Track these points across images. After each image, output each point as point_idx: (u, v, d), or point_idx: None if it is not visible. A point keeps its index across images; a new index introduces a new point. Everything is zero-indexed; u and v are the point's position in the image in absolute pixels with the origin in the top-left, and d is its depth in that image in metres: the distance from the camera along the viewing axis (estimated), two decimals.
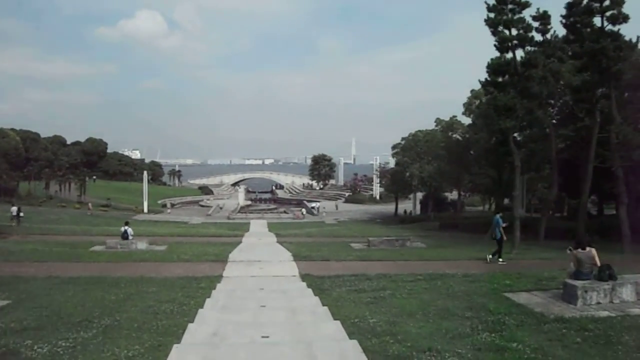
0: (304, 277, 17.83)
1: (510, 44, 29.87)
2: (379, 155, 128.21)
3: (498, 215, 24.54)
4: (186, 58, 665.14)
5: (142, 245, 28.70)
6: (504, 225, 23.64)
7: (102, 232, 38.89)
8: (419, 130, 75.40)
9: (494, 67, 31.06)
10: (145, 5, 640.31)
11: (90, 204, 73.25)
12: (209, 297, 13.76)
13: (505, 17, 29.25)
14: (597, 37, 29.54)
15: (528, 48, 30.47)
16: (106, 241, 29.00)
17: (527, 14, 30.36)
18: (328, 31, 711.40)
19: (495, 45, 30.23)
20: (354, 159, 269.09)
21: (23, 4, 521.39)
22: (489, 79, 32.49)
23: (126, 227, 30.15)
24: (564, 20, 31.57)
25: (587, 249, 13.75)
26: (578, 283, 12.99)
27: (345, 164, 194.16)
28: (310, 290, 15.09)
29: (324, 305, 12.59)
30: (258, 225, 57.78)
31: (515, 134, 32.52)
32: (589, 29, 30.44)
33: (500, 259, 22.74)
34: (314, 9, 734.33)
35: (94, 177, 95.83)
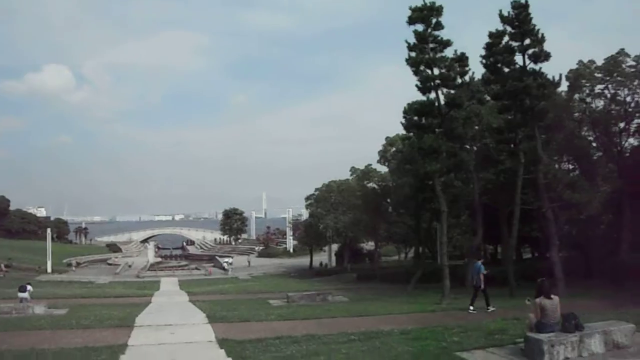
0: (222, 342, 15.44)
1: (432, 84, 28.84)
2: (292, 208, 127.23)
3: (479, 262, 23.23)
4: (96, 112, 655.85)
5: (39, 309, 25.82)
6: (484, 272, 22.18)
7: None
8: (333, 181, 74.33)
9: (416, 109, 29.99)
10: (52, 59, 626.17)
11: (2, 264, 68.48)
12: None
13: (427, 56, 28.26)
14: (520, 76, 28.87)
15: (449, 91, 29.64)
16: None
17: (448, 53, 29.67)
18: (241, 86, 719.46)
19: (417, 86, 29.18)
20: (265, 213, 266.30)
21: None
22: (412, 120, 31.48)
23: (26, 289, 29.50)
24: (484, 60, 30.83)
25: (553, 297, 12.18)
26: (542, 336, 11.42)
27: (256, 217, 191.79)
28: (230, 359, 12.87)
29: None
30: (169, 284, 55.32)
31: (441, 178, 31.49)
32: (510, 67, 29.75)
33: (471, 307, 21.71)
34: (226, 65, 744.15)
35: None
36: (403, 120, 36.58)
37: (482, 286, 22.29)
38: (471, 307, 21.66)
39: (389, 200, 53.82)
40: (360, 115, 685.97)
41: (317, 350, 13.74)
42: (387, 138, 52.66)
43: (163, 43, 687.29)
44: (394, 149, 51.62)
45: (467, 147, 34.47)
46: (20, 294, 29.62)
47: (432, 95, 29.28)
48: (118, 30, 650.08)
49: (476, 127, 33.43)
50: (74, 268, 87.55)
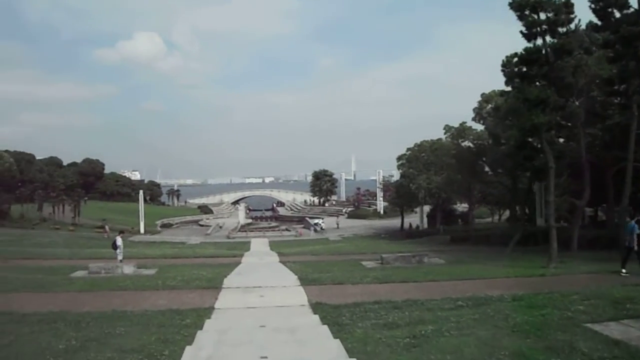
0: (316, 307, 14.23)
1: (539, 29, 26.27)
2: (382, 169, 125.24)
3: (633, 222, 21.04)
4: (185, 79, 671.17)
5: (128, 269, 25.36)
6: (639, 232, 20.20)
7: (91, 256, 35.64)
8: (425, 140, 72.39)
9: (521, 56, 27.34)
10: (142, 27, 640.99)
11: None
12: (190, 344, 10.20)
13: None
14: (636, 19, 26.02)
15: (553, 39, 26.99)
16: (89, 266, 25.56)
17: None
18: (327, 51, 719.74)
19: (521, 32, 26.62)
20: (354, 175, 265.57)
21: (21, 27, 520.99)
22: (514, 71, 28.85)
23: (118, 237, 29.18)
24: (592, 5, 28.11)
25: None
26: None
27: (346, 179, 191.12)
28: (325, 327, 11.54)
29: (349, 355, 9.11)
30: (259, 244, 54.65)
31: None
32: (623, 11, 26.91)
33: (623, 271, 19.76)
34: (313, 29, 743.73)
35: (85, 198, 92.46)
36: (502, 74, 34.56)
37: (636, 247, 20.14)
38: (623, 270, 19.63)
39: (484, 159, 51.38)
40: (447, 75, 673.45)
41: (421, 317, 12.30)
42: (482, 94, 49.95)
43: (251, 7, 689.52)
44: (489, 105, 49.00)
45: (579, 97, 31.67)
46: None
47: (539, 42, 26.74)
48: None
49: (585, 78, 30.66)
50: (159, 228, 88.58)
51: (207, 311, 14.02)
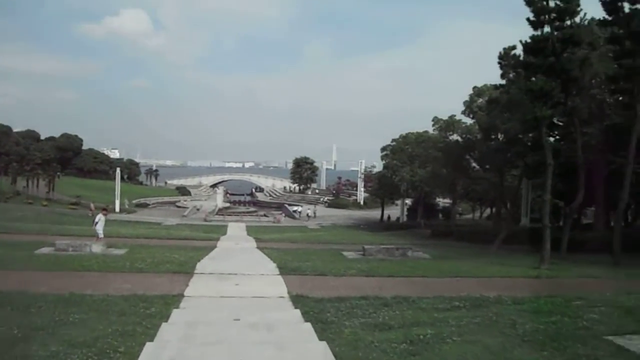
0: (296, 299, 12.87)
1: (547, 17, 24.77)
2: (363, 160, 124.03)
3: None
4: (171, 57, 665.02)
5: (97, 248, 23.99)
6: None
7: (62, 232, 34.19)
8: (410, 132, 71.05)
9: (527, 45, 25.65)
10: (129, 4, 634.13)
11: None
12: (152, 339, 8.79)
13: None
14: None
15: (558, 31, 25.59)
16: (55, 242, 24.21)
17: None
18: (313, 36, 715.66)
19: (528, 20, 25.05)
20: (334, 165, 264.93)
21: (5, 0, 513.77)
22: (517, 60, 27.34)
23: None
24: None
25: None
26: None
27: (326, 169, 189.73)
28: (308, 325, 10.19)
29: None
30: (236, 229, 53.17)
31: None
32: (636, 5, 25.48)
33: None
34: (300, 13, 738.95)
35: (58, 173, 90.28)
36: (498, 66, 33.68)
37: None
38: None
39: (472, 154, 50.07)
40: (433, 69, 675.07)
41: (416, 318, 11.03)
42: (474, 88, 48.40)
43: None
44: (480, 100, 47.73)
45: (586, 91, 30.41)
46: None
47: (546, 30, 25.20)
48: None
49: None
50: (127, 205, 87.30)
51: (176, 299, 12.64)
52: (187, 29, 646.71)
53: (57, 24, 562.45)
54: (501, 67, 35.24)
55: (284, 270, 17.86)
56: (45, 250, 23.06)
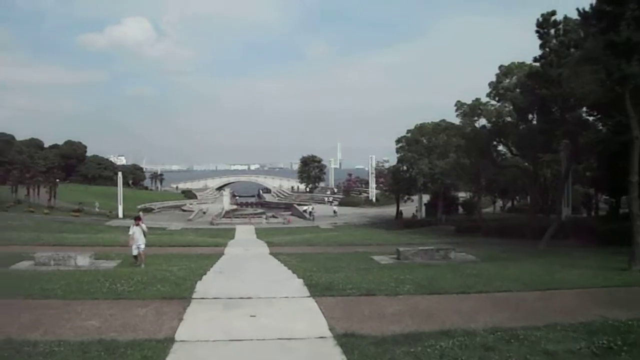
0: (346, 342, 8.31)
1: None
2: (374, 155, 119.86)
3: None
4: (173, 65, 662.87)
5: (83, 260, 20.46)
6: None
7: (58, 241, 31.33)
8: (426, 122, 66.79)
9: None
10: (131, 12, 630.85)
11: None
12: None
13: None
14: None
15: None
16: (35, 255, 20.62)
17: None
18: (314, 37, 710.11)
19: None
20: (340, 164, 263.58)
21: (8, 11, 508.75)
22: (595, 7, 21.91)
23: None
24: None
25: None
26: None
27: (333, 168, 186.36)
28: None
29: None
30: (244, 232, 50.18)
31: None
32: None
33: None
34: (299, 15, 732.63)
35: (57, 180, 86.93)
36: (537, 35, 29.82)
37: None
38: None
39: (502, 139, 45.58)
40: (434, 66, 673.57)
41: None
42: (500, 67, 43.88)
43: None
44: (507, 80, 43.26)
45: None
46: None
47: None
48: None
49: None
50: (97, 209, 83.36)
51: (161, 349, 8.16)
52: (189, 36, 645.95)
53: (60, 35, 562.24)
54: (540, 37, 30.92)
55: (314, 290, 12.98)
56: (23, 264, 20.06)
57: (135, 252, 20.92)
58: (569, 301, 11.75)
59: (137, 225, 21.76)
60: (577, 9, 21.35)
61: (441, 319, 9.81)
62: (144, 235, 21.67)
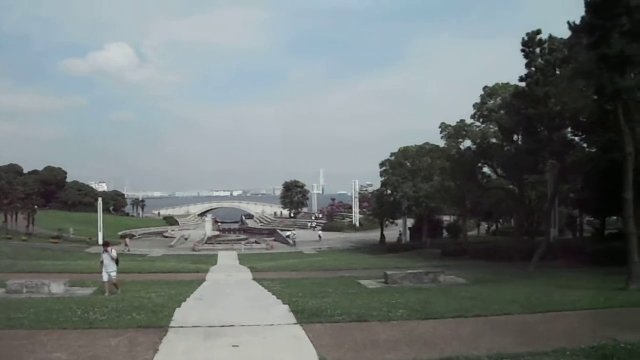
0: None
1: None
2: (357, 180, 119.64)
3: None
4: (157, 90, 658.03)
5: (58, 288, 19.92)
6: None
7: (35, 268, 31.18)
8: (409, 146, 66.73)
9: (594, 4, 19.89)
10: (114, 38, 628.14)
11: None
12: None
13: None
14: None
15: None
16: (6, 283, 20.28)
17: None
18: (298, 63, 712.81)
19: None
20: (323, 189, 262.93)
21: None
22: (586, 20, 21.26)
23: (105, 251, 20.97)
24: None
25: None
26: None
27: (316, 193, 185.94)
28: None
29: None
30: (227, 258, 49.53)
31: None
32: None
33: None
34: (285, 42, 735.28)
35: (36, 206, 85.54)
36: (522, 55, 29.91)
37: None
38: None
39: (487, 161, 45.28)
40: (418, 91, 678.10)
41: None
42: (485, 88, 43.81)
43: (224, 19, 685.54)
44: (492, 101, 43.07)
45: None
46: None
47: None
48: (178, 7, 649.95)
49: None
50: (72, 235, 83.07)
51: None
52: (172, 62, 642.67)
53: (43, 61, 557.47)
54: (526, 56, 30.83)
55: (302, 316, 11.97)
56: None
57: (105, 279, 20.04)
58: (573, 323, 11.10)
59: (106, 252, 20.87)
60: (568, 23, 20.90)
61: (440, 346, 9.04)
62: (116, 263, 20.61)
